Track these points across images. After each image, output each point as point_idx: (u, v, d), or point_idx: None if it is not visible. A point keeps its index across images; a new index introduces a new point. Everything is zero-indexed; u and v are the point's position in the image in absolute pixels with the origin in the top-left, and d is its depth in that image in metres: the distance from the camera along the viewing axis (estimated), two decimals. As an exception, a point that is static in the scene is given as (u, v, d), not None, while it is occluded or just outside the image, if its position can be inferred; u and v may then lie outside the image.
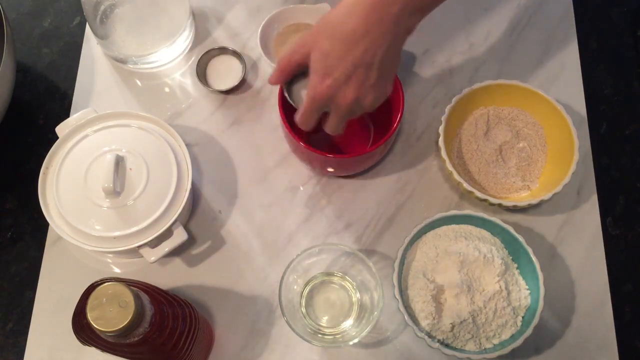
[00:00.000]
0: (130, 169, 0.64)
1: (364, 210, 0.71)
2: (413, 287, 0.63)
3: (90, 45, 0.80)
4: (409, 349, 0.65)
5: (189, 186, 0.65)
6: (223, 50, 0.77)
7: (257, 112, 0.76)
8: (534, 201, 0.66)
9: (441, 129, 0.69)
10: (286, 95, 0.62)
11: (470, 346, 0.62)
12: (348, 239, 0.70)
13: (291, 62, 0.57)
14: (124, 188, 0.63)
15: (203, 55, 0.76)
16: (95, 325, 0.43)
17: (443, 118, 0.69)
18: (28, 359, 0.65)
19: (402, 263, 0.64)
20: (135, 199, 0.63)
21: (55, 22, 0.82)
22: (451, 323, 0.61)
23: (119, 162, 0.63)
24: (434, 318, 0.61)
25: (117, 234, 0.62)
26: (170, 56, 0.78)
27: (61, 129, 0.67)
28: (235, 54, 0.77)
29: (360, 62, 0.51)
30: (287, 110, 0.66)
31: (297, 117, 0.58)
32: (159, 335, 0.48)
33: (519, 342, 0.60)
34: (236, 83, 0.75)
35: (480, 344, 0.62)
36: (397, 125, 0.65)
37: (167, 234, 0.63)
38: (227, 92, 0.76)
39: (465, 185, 0.66)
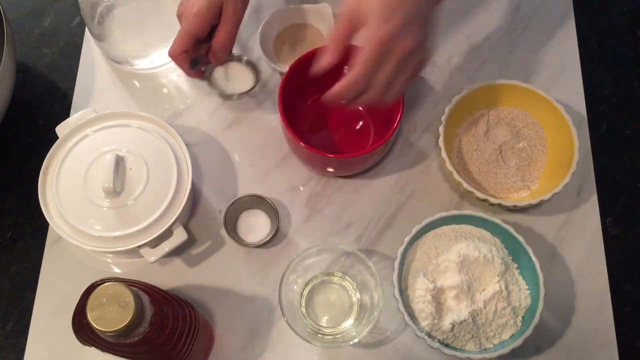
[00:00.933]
0: (130, 169, 0.64)
1: (364, 210, 0.71)
2: (413, 287, 0.63)
3: (90, 45, 0.80)
4: (409, 349, 0.65)
5: (189, 186, 0.65)
6: (232, 57, 0.75)
7: (257, 112, 0.76)
8: (534, 201, 0.66)
9: (441, 129, 0.69)
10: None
11: (470, 346, 0.62)
12: (348, 239, 0.70)
13: (344, 33, 0.57)
14: (124, 188, 0.63)
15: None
16: (95, 325, 0.43)
17: (443, 118, 0.69)
18: (28, 359, 0.65)
19: (402, 263, 0.64)
20: (135, 199, 0.63)
21: (55, 22, 0.82)
22: (451, 323, 0.61)
23: (119, 162, 0.63)
24: (434, 318, 0.61)
25: (117, 234, 0.62)
26: (167, 57, 0.78)
27: (61, 129, 0.67)
28: (249, 64, 0.75)
29: (413, 14, 0.54)
30: (287, 110, 0.66)
31: (348, 80, 0.57)
32: (159, 335, 0.48)
33: (519, 342, 0.60)
34: (248, 88, 0.74)
35: (480, 344, 0.62)
36: (397, 125, 0.65)
37: (167, 234, 0.63)
38: (243, 93, 0.75)
39: (465, 185, 0.66)
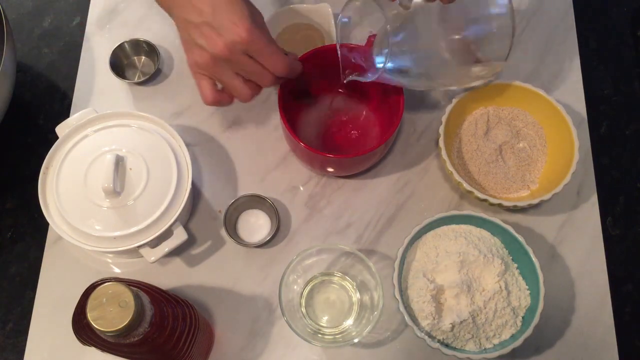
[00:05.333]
0: (130, 169, 0.64)
1: (364, 210, 0.71)
2: (413, 287, 0.63)
3: (91, 45, 0.80)
4: (409, 349, 0.65)
5: (189, 186, 0.65)
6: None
7: (257, 112, 0.76)
8: (534, 201, 0.66)
9: (441, 129, 0.69)
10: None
11: (470, 346, 0.62)
12: (348, 239, 0.70)
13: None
14: (124, 188, 0.63)
15: None
16: (95, 325, 0.43)
17: (443, 118, 0.69)
18: (28, 359, 0.65)
19: (402, 263, 0.64)
20: (135, 199, 0.63)
21: (55, 22, 0.82)
22: (451, 323, 0.61)
23: (119, 162, 0.63)
24: (434, 318, 0.61)
25: (117, 234, 0.62)
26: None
27: (61, 129, 0.67)
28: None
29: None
30: (287, 110, 0.66)
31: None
32: (159, 335, 0.48)
33: (519, 342, 0.60)
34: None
35: (480, 344, 0.62)
36: (397, 125, 0.65)
37: (167, 234, 0.63)
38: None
39: (465, 185, 0.66)
